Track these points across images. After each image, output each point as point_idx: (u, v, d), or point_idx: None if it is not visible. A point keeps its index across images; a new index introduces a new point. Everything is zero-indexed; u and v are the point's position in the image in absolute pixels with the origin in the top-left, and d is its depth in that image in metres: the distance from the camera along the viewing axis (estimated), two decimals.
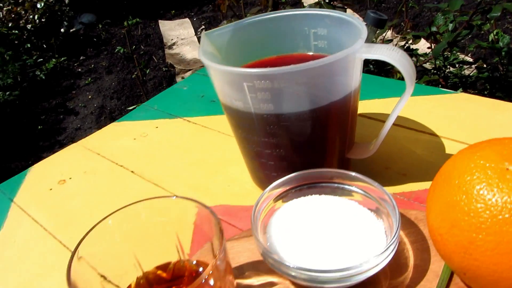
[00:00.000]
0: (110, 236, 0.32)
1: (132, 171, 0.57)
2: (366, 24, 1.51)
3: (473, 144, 0.31)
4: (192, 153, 0.59)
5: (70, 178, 0.58)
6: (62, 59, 2.92)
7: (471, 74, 1.79)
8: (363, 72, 0.45)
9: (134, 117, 0.71)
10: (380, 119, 0.60)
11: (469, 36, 2.21)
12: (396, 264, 0.37)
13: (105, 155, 0.62)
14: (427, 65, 1.90)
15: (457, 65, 1.89)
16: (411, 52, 1.56)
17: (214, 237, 0.31)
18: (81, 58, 3.02)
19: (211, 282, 0.28)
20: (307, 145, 0.44)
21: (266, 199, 0.39)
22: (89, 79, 2.74)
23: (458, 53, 2.15)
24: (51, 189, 0.57)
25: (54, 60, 2.85)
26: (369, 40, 1.30)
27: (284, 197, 0.40)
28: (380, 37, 1.63)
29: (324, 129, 0.43)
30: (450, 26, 1.42)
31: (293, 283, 0.36)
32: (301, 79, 0.38)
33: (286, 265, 0.32)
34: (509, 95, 1.53)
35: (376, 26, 1.42)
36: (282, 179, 0.40)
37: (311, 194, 0.41)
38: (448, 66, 1.81)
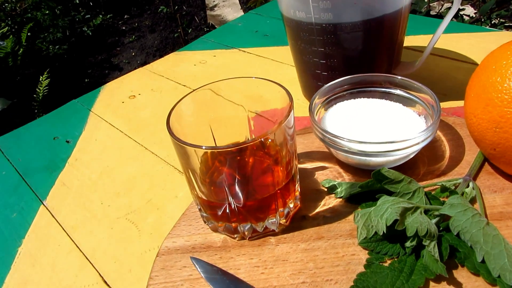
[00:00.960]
0: (193, 109, 0.38)
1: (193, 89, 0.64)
2: None
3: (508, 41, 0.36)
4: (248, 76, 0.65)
5: (139, 94, 0.66)
6: (108, 16, 3.01)
7: None
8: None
9: (193, 47, 0.78)
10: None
11: None
12: (433, 154, 0.42)
13: (169, 77, 0.69)
14: None
15: (504, 30, 1.86)
16: (457, 12, 1.56)
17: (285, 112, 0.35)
18: (126, 16, 3.11)
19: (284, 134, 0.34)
20: (358, 56, 0.49)
21: (321, 96, 0.44)
22: (133, 36, 2.83)
23: (506, 20, 2.10)
24: (123, 102, 0.64)
25: (100, 17, 2.94)
26: None
27: (336, 98, 0.46)
28: None
29: (376, 40, 0.47)
30: None
31: (342, 167, 0.42)
32: None
33: (341, 138, 0.38)
34: None
35: None
36: (335, 81, 0.45)
37: (361, 97, 0.46)
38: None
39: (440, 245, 0.32)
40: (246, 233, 0.36)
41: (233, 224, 0.36)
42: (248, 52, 0.72)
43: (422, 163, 0.42)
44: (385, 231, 0.32)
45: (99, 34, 2.90)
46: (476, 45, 0.64)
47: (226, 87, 0.39)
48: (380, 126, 0.41)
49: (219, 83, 0.38)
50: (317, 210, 0.39)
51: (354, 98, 0.46)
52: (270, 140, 0.35)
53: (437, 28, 0.47)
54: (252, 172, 0.36)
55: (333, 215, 0.38)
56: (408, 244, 0.32)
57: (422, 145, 0.38)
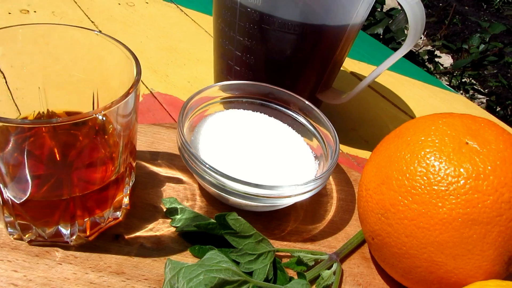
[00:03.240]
0: (20, 47, 0.28)
1: (100, 31, 0.53)
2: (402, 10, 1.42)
3: (450, 113, 0.28)
4: (169, 40, 0.54)
5: (34, 12, 0.53)
6: None
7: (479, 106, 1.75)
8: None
9: None
10: (373, 86, 0.56)
11: (495, 71, 2.15)
12: (313, 211, 0.34)
13: (81, 5, 0.57)
14: (443, 81, 1.84)
15: (470, 91, 1.84)
16: (433, 57, 1.51)
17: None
18: None
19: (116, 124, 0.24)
20: (281, 63, 0.39)
21: (204, 99, 0.35)
22: None
23: (476, 83, 2.10)
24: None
25: None
26: (399, 26, 1.23)
27: (224, 103, 0.37)
28: None
29: (306, 52, 0.38)
30: (482, 46, 1.36)
31: (202, 188, 0.33)
32: None
33: (199, 161, 0.28)
34: None
35: None
36: (231, 82, 0.36)
37: (253, 110, 0.37)
38: (462, 92, 1.76)
39: None
40: (25, 234, 0.26)
41: (12, 219, 0.26)
42: (185, 13, 0.61)
43: (295, 217, 0.33)
44: None
45: None
46: (425, 98, 0.56)
47: (61, 36, 0.28)
48: (256, 158, 0.32)
49: (55, 28, 0.28)
50: (139, 233, 0.29)
51: (245, 109, 0.37)
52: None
53: (380, 64, 0.39)
54: (54, 160, 0.26)
55: (153, 248, 0.29)
56: None
57: (295, 200, 0.30)
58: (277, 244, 0.31)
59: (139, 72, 0.25)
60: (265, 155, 0.32)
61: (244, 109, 0.37)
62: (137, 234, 0.29)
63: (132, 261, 0.28)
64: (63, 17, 0.53)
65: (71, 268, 0.26)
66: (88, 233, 0.28)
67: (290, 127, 0.36)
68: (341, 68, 0.57)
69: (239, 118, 0.35)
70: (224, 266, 0.24)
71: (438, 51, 1.55)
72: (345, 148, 0.44)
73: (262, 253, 0.28)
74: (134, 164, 0.30)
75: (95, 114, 0.22)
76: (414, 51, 1.54)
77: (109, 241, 0.28)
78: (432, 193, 0.24)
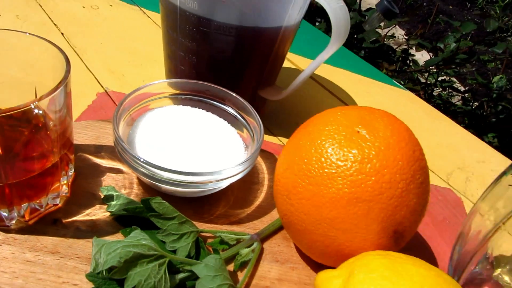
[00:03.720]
0: None
1: (62, 33, 0.55)
2: (375, 9, 1.46)
3: (352, 106, 0.31)
4: (129, 41, 0.57)
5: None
6: None
7: (456, 103, 1.79)
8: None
9: None
10: (322, 83, 0.59)
11: (473, 69, 2.20)
12: (243, 197, 0.37)
13: (45, 9, 0.59)
14: (422, 79, 1.88)
15: (447, 89, 1.88)
16: (407, 55, 1.54)
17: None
18: None
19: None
20: (222, 64, 0.43)
21: (144, 95, 0.38)
22: None
23: (455, 80, 2.14)
24: None
25: None
26: (372, 26, 1.26)
27: (164, 99, 0.39)
28: (386, 30, 1.60)
29: (242, 52, 0.42)
30: (453, 45, 1.40)
31: (138, 178, 0.36)
32: None
33: (130, 154, 0.32)
34: (481, 134, 1.54)
35: (384, 15, 1.38)
36: (170, 80, 0.40)
37: (191, 106, 0.40)
38: (439, 88, 1.80)
39: None
40: None
41: None
42: (148, 16, 0.64)
43: (225, 202, 0.36)
44: (104, 273, 0.26)
45: None
46: (373, 94, 0.60)
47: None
48: (188, 148, 0.35)
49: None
50: (76, 218, 0.32)
51: (184, 104, 0.40)
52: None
53: (311, 63, 0.42)
54: None
55: (88, 231, 0.32)
56: None
57: (220, 185, 0.33)
58: (204, 227, 0.34)
59: (68, 70, 0.28)
60: (197, 146, 0.35)
61: (182, 105, 0.40)
62: (74, 218, 0.32)
63: (67, 242, 0.31)
64: (26, 20, 0.56)
65: (10, 248, 0.29)
66: (27, 218, 0.31)
67: (225, 121, 0.39)
68: (294, 67, 0.60)
69: (177, 113, 0.38)
70: (143, 242, 0.27)
71: (414, 49, 1.58)
72: (284, 140, 0.47)
73: (185, 233, 0.31)
74: (71, 156, 0.33)
75: (25, 108, 0.25)
76: (395, 48, 1.58)
77: (47, 225, 0.31)
78: (323, 175, 0.27)
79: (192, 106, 0.40)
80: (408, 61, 1.60)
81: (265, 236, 0.34)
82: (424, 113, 0.60)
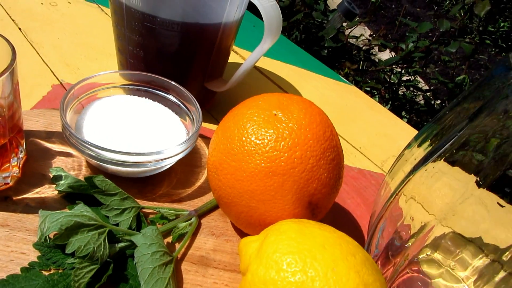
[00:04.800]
0: None
1: (19, 28, 0.58)
2: (337, 10, 1.52)
3: (274, 93, 0.35)
4: (86, 36, 0.60)
5: None
6: None
7: (420, 101, 1.86)
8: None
9: None
10: (271, 77, 0.63)
11: (437, 69, 2.28)
12: (185, 179, 0.41)
13: (4, 5, 0.62)
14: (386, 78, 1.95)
15: (410, 88, 1.95)
16: (369, 55, 1.60)
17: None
18: None
19: None
20: (166, 56, 0.46)
21: (93, 85, 0.41)
22: None
23: (420, 80, 2.22)
24: None
25: None
26: (335, 26, 1.30)
27: (112, 88, 0.43)
28: (348, 31, 1.65)
29: (186, 47, 0.45)
30: (411, 45, 1.47)
31: (86, 161, 0.39)
32: None
33: (76, 138, 0.35)
34: None
35: (344, 15, 1.44)
36: (115, 72, 0.43)
37: (138, 95, 0.43)
38: (403, 88, 1.87)
39: (104, 271, 0.30)
40: None
41: None
42: (105, 13, 0.67)
43: (168, 183, 0.40)
44: (45, 239, 0.29)
45: None
46: (319, 89, 0.64)
47: None
48: (132, 132, 0.38)
49: None
50: (26, 195, 0.35)
51: (132, 94, 0.43)
52: None
53: (249, 56, 0.46)
54: None
55: (37, 207, 0.35)
56: (69, 260, 0.30)
57: (159, 165, 0.36)
58: (147, 204, 0.37)
59: (13, 59, 0.31)
60: (140, 130, 0.39)
61: (129, 95, 0.43)
62: (24, 196, 0.35)
63: (17, 216, 0.33)
64: None
65: None
66: None
67: (169, 109, 0.43)
68: (242, 61, 0.64)
69: (123, 101, 0.42)
70: (85, 214, 0.31)
71: (377, 50, 1.64)
72: None
73: (127, 208, 0.34)
74: (22, 141, 0.36)
75: None
76: (361, 47, 1.64)
77: None
78: (244, 152, 0.31)
79: (138, 96, 0.43)
80: (372, 61, 1.66)
81: (203, 213, 0.38)
82: (366, 106, 0.64)
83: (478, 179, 0.27)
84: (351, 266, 0.27)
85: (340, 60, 1.55)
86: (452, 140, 0.28)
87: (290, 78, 0.64)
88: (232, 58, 0.59)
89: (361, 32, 2.03)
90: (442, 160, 0.28)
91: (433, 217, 0.29)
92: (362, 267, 0.27)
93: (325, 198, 0.32)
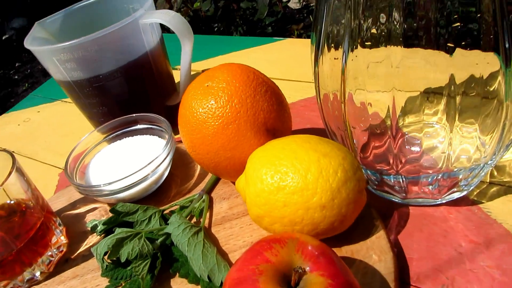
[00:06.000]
0: None
1: (12, 151, 0.67)
2: None
3: (205, 72, 0.43)
4: (63, 127, 0.69)
5: None
6: None
7: None
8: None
9: (21, 106, 0.81)
10: None
11: None
12: (185, 174, 0.49)
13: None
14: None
15: None
16: (309, 10, 1.67)
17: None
18: (17, 64, 3.03)
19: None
20: (124, 99, 0.54)
21: (83, 152, 0.50)
22: (27, 84, 2.77)
23: None
24: None
25: None
26: (263, 4, 1.37)
27: (96, 145, 0.51)
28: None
29: (132, 84, 0.54)
30: None
31: (110, 205, 0.48)
32: (93, 47, 0.49)
33: (89, 188, 0.43)
34: None
35: None
36: (90, 132, 0.51)
37: (119, 139, 0.52)
38: None
39: (156, 260, 0.38)
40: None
41: None
42: (69, 102, 0.76)
43: (175, 184, 0.48)
44: (103, 263, 0.38)
45: None
46: (263, 57, 0.72)
47: None
48: (126, 164, 0.47)
49: None
50: (79, 251, 0.44)
51: (115, 141, 0.52)
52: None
53: (181, 66, 0.54)
54: None
55: (90, 254, 0.43)
56: (129, 269, 0.38)
57: (158, 173, 0.45)
58: (166, 206, 0.45)
59: (14, 162, 0.40)
60: (132, 160, 0.47)
61: (112, 142, 0.51)
62: (78, 252, 0.44)
63: (80, 266, 0.42)
64: None
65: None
66: (47, 268, 0.42)
67: (147, 135, 0.51)
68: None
69: (110, 149, 0.50)
70: (123, 231, 0.39)
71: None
72: None
73: (151, 215, 0.43)
74: (54, 217, 0.45)
75: None
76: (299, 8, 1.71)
77: (62, 265, 0.43)
78: (200, 123, 0.39)
79: (120, 139, 0.52)
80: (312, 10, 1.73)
81: (209, 189, 0.46)
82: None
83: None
84: (308, 148, 0.34)
85: (287, 27, 1.63)
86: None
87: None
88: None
89: None
90: (358, 44, 0.32)
91: (385, 92, 0.33)
92: (317, 145, 0.35)
93: (277, 121, 0.40)
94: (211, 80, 0.40)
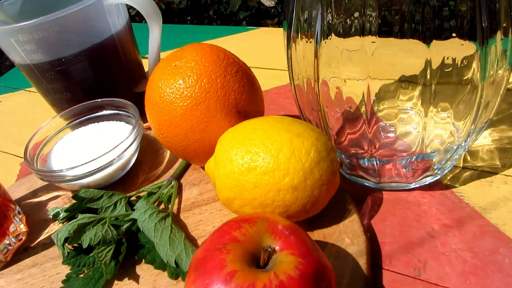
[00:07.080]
0: None
1: None
2: None
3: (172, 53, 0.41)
4: (25, 117, 0.66)
5: None
6: None
7: None
8: None
9: None
10: None
11: None
12: (153, 161, 0.47)
13: None
14: None
15: None
16: (283, 5, 1.67)
17: None
18: None
19: None
20: (90, 85, 0.52)
21: (46, 134, 0.47)
22: None
23: None
24: None
25: None
26: None
27: (59, 132, 0.49)
28: None
29: (98, 68, 0.51)
30: None
31: (73, 192, 0.46)
32: (54, 28, 0.46)
33: (50, 173, 0.41)
34: None
35: None
36: (52, 117, 0.49)
37: (84, 125, 0.50)
38: None
39: (121, 246, 0.37)
40: None
41: None
42: (33, 92, 0.73)
43: (142, 171, 0.46)
44: (64, 250, 0.36)
45: None
46: (238, 46, 0.71)
47: None
48: (91, 150, 0.45)
49: None
50: (40, 239, 0.42)
51: (79, 127, 0.50)
52: None
53: (149, 50, 0.52)
54: None
55: (52, 241, 0.41)
56: (92, 256, 0.36)
57: (124, 159, 0.43)
58: (133, 192, 0.44)
59: None
60: (98, 145, 0.45)
61: (76, 128, 0.49)
62: (39, 240, 0.41)
63: (40, 254, 0.40)
64: None
65: (1, 281, 0.38)
66: (5, 257, 0.40)
67: (114, 121, 0.49)
68: None
69: (75, 135, 0.48)
70: (85, 217, 0.37)
71: None
72: None
73: (117, 201, 0.41)
74: (12, 205, 0.42)
75: None
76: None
77: (21, 254, 0.41)
78: (168, 104, 0.37)
79: (85, 125, 0.49)
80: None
81: (178, 175, 0.44)
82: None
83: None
84: (280, 128, 0.33)
85: (261, 22, 1.62)
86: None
87: None
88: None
89: None
90: (332, 34, 0.32)
91: (361, 80, 0.32)
92: (290, 125, 0.34)
93: (249, 103, 0.39)
94: (179, 59, 0.39)
